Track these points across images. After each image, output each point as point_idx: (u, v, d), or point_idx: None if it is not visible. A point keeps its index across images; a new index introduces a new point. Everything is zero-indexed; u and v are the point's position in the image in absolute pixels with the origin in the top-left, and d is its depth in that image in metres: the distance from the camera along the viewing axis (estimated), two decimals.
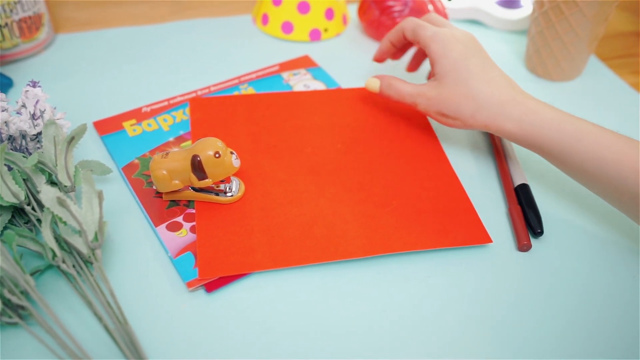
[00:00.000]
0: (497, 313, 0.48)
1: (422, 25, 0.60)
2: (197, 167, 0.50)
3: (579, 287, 0.50)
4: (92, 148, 0.61)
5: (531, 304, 0.48)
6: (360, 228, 0.53)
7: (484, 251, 0.52)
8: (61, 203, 0.46)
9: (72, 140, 0.51)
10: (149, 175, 0.57)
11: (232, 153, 0.51)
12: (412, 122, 0.65)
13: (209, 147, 0.51)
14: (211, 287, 0.48)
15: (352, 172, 0.58)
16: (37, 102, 0.54)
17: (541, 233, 0.53)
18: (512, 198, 0.57)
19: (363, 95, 0.68)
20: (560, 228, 0.55)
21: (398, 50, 0.67)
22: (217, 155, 0.50)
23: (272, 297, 0.48)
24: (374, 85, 0.62)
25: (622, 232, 0.55)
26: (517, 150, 0.62)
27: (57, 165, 0.51)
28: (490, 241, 0.52)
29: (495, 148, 0.63)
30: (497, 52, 0.80)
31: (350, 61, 0.76)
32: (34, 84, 0.55)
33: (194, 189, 0.54)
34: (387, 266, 0.51)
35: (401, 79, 0.61)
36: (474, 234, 0.53)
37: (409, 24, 0.61)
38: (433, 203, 0.55)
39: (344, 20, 0.83)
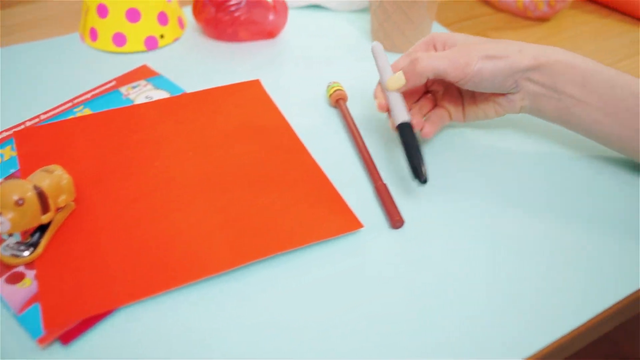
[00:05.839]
0: (379, 295, 0.45)
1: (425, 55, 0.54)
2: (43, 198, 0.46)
3: (450, 259, 0.49)
4: None
5: (403, 278, 0.47)
6: (227, 237, 0.49)
7: (359, 236, 0.50)
8: None
9: None
10: None
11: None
12: (263, 116, 0.62)
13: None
14: (67, 337, 0.42)
15: (209, 179, 0.54)
16: None
17: (425, 181, 0.50)
18: (375, 175, 0.55)
19: (205, 98, 0.64)
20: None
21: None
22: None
23: (149, 334, 0.42)
24: (398, 80, 0.53)
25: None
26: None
27: None
28: (362, 226, 0.50)
29: (348, 125, 0.61)
30: (342, 33, 0.79)
31: (193, 65, 0.72)
32: None
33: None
34: (271, 270, 0.47)
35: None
36: (344, 222, 0.50)
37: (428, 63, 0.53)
38: (298, 197, 0.52)
39: (181, 24, 0.78)
